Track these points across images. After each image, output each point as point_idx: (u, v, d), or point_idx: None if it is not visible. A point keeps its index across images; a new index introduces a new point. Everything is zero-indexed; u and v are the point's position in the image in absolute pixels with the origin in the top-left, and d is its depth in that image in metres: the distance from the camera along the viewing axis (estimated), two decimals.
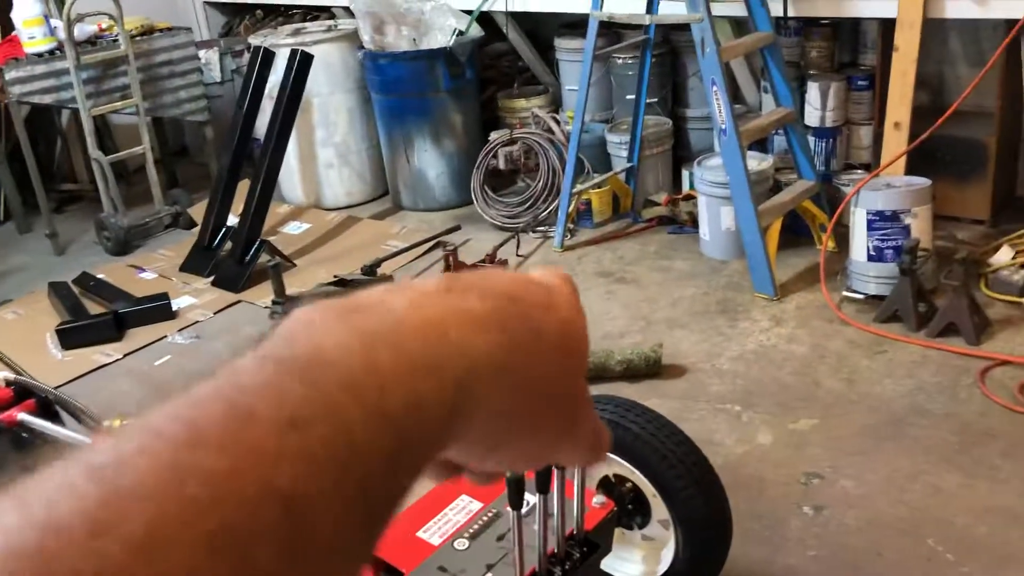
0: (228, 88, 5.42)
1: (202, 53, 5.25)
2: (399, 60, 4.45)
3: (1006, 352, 2.89)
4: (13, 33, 4.50)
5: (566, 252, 4.03)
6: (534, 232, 4.22)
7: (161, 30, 4.86)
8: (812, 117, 3.95)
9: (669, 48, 4.41)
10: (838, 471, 2.46)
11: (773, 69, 3.64)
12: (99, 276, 4.20)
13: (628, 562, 1.93)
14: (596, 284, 3.72)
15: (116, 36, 4.51)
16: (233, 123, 4.34)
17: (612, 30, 4.32)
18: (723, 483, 1.87)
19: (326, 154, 4.78)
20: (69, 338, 3.60)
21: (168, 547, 0.26)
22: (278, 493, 0.29)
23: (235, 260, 4.08)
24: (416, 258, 4.12)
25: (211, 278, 4.12)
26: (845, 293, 3.31)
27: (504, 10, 4.45)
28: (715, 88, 3.35)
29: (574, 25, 4.49)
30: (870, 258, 3.21)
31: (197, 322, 3.76)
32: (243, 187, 4.35)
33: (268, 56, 4.29)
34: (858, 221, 3.23)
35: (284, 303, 3.51)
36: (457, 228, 4.32)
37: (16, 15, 4.39)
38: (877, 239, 3.19)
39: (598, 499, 1.70)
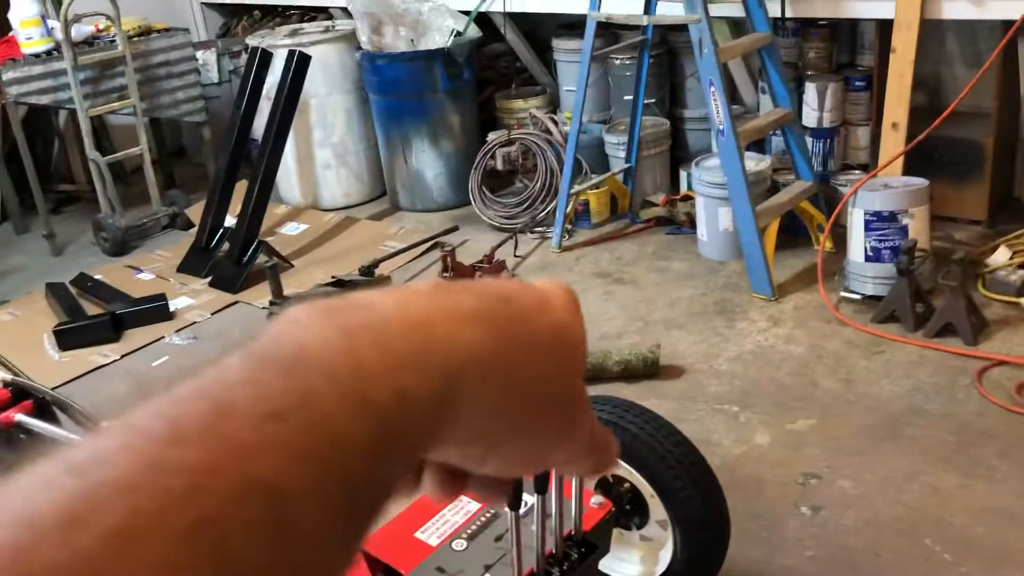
0: (226, 89, 5.42)
1: (199, 54, 5.25)
2: (397, 61, 4.45)
3: (1003, 352, 2.90)
4: (10, 34, 4.50)
5: (564, 253, 4.03)
6: (532, 233, 4.22)
7: (158, 31, 4.86)
8: (810, 118, 3.95)
9: (667, 49, 4.41)
10: (836, 471, 2.47)
11: (771, 70, 3.65)
12: (97, 277, 4.20)
13: (626, 563, 1.93)
14: (594, 285, 3.72)
15: (113, 37, 4.50)
16: (231, 124, 4.34)
17: (610, 31, 4.32)
18: (721, 483, 1.87)
19: (324, 155, 4.78)
20: (66, 339, 3.59)
21: (145, 540, 0.26)
22: (259, 485, 0.28)
23: (233, 261, 4.08)
24: (414, 259, 4.11)
25: (209, 279, 4.12)
26: (843, 293, 3.31)
27: (502, 11, 4.45)
28: (713, 89, 3.35)
29: (572, 26, 4.49)
30: (868, 258, 3.22)
31: (195, 323, 3.76)
32: (241, 188, 4.34)
33: (266, 57, 4.29)
34: (856, 221, 3.23)
35: (282, 304, 3.51)
36: (455, 229, 4.32)
37: (13, 16, 4.39)
38: (875, 239, 3.19)
39: (596, 500, 1.70)
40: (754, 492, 2.41)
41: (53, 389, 2.29)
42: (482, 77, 4.91)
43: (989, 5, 3.26)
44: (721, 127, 3.36)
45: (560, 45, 4.64)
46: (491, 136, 4.49)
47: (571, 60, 4.47)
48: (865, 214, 3.19)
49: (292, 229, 4.62)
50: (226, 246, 4.20)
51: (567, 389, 0.42)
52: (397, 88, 4.50)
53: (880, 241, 3.18)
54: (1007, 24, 3.22)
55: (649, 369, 2.97)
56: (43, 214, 4.67)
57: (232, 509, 0.28)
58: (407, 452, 0.35)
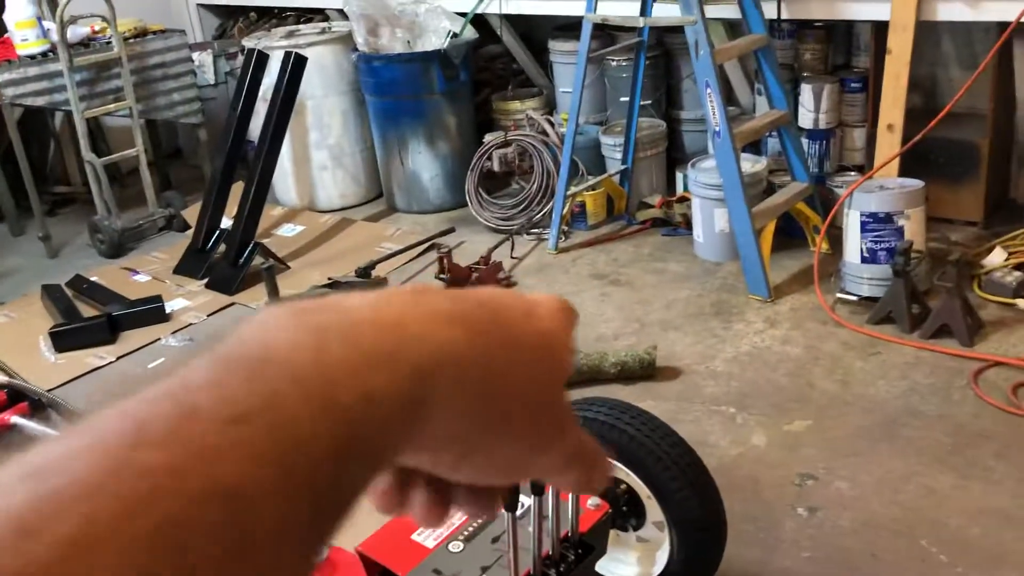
0: (222, 90, 5.41)
1: (196, 55, 5.25)
2: (393, 62, 4.45)
3: (999, 353, 2.90)
4: (6, 35, 4.49)
5: (560, 254, 4.03)
6: (528, 234, 4.22)
7: (154, 32, 4.85)
8: (806, 119, 3.96)
9: (663, 50, 4.41)
10: (832, 472, 2.47)
11: (767, 71, 3.65)
12: (92, 279, 4.19)
13: (623, 564, 1.93)
14: (590, 286, 3.72)
15: (109, 38, 4.50)
16: (227, 125, 4.33)
17: (606, 32, 4.32)
18: (717, 485, 1.87)
19: (320, 156, 4.78)
20: (62, 341, 3.59)
21: (103, 546, 0.26)
22: (219, 489, 0.28)
23: (229, 263, 4.07)
24: (410, 260, 4.11)
25: (205, 280, 4.12)
26: (839, 295, 3.31)
27: (498, 12, 4.45)
28: (709, 90, 3.36)
29: (568, 27, 4.50)
30: (863, 260, 3.22)
31: (191, 324, 3.75)
32: (237, 189, 4.34)
33: (262, 58, 4.29)
34: (851, 223, 3.24)
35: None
36: (451, 230, 4.32)
37: (9, 17, 4.38)
38: (870, 241, 3.19)
39: (593, 501, 1.70)
40: (751, 493, 2.41)
41: (49, 391, 2.29)
42: (478, 79, 4.91)
43: (984, 6, 3.27)
44: (717, 128, 3.36)
45: (556, 47, 4.64)
46: (487, 137, 4.49)
47: (567, 62, 4.47)
48: (861, 215, 3.19)
49: (288, 231, 4.62)
50: (222, 248, 4.19)
51: (547, 398, 0.41)
52: (393, 90, 4.49)
53: (876, 242, 3.18)
54: (1002, 26, 3.23)
55: (645, 370, 2.97)
56: (39, 216, 4.66)
57: (193, 513, 0.27)
58: (375, 455, 0.34)
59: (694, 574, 1.89)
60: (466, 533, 1.62)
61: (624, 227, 4.21)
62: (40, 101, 4.47)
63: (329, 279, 3.91)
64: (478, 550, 1.58)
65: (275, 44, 4.54)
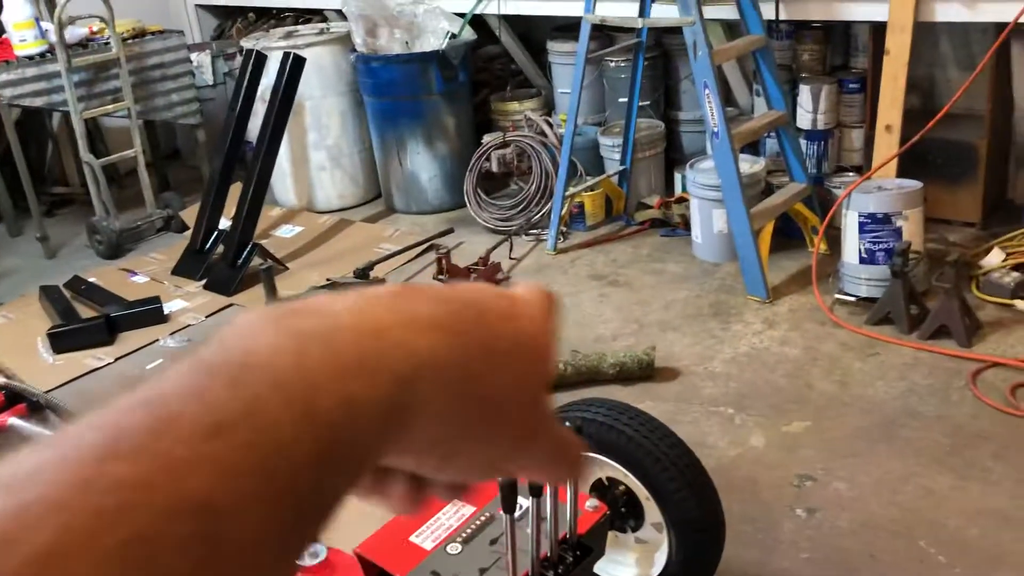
0: (220, 91, 5.41)
1: (194, 56, 5.25)
2: (392, 63, 4.45)
3: (997, 354, 2.90)
4: (4, 36, 4.49)
5: (559, 255, 4.03)
6: (527, 235, 4.22)
7: (153, 33, 4.85)
8: (804, 120, 3.96)
9: (661, 51, 4.42)
10: (831, 473, 2.47)
11: (765, 72, 3.65)
12: (90, 280, 4.18)
13: (622, 565, 1.93)
14: (589, 287, 3.72)
15: (107, 39, 4.50)
16: (225, 126, 4.33)
17: (604, 33, 4.32)
18: (716, 486, 1.87)
19: (318, 157, 4.78)
20: (60, 342, 3.58)
21: (73, 560, 0.26)
22: (192, 502, 0.28)
23: (227, 263, 4.07)
24: (409, 261, 4.11)
25: (203, 281, 4.11)
26: (837, 295, 3.31)
27: (497, 13, 4.45)
28: (707, 91, 3.36)
29: (567, 28, 4.50)
30: (862, 260, 3.22)
31: (189, 326, 3.75)
32: (235, 190, 4.34)
33: (260, 59, 4.29)
34: (850, 224, 3.24)
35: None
36: (450, 231, 4.32)
37: (7, 18, 4.38)
38: (869, 241, 3.20)
39: (591, 503, 1.69)
40: (749, 494, 2.41)
41: (47, 392, 2.29)
42: (477, 79, 4.91)
43: (982, 7, 3.27)
44: (715, 129, 3.36)
45: (555, 47, 4.65)
46: (486, 138, 4.49)
47: (566, 62, 4.47)
48: (859, 216, 3.20)
49: (287, 231, 4.62)
50: (221, 249, 4.19)
51: (528, 398, 0.41)
52: (392, 90, 4.49)
53: (874, 243, 3.19)
54: (1000, 26, 3.23)
55: (644, 371, 2.97)
56: (37, 217, 4.66)
57: (165, 526, 0.27)
58: (357, 460, 0.34)
59: (692, 575, 1.89)
60: (464, 535, 1.62)
61: (622, 228, 4.21)
62: (38, 102, 4.47)
63: (327, 280, 3.91)
64: (476, 552, 1.58)
65: (273, 45, 4.54)
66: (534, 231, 4.23)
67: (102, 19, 4.41)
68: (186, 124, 5.13)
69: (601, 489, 1.88)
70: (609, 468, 1.86)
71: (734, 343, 3.17)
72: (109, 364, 3.49)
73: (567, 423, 1.53)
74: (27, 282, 4.32)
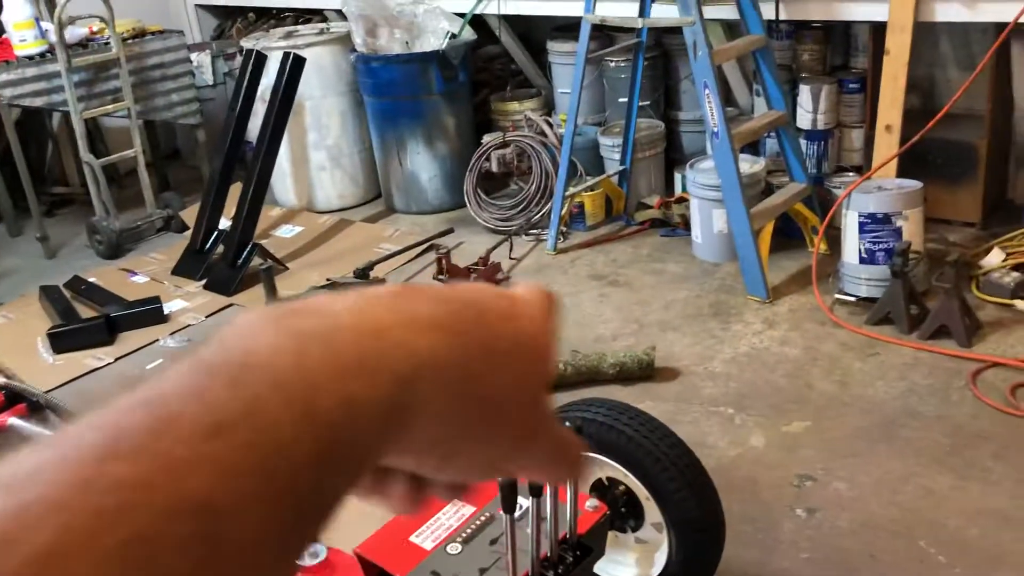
0: (220, 91, 5.41)
1: (194, 56, 5.25)
2: (392, 63, 4.45)
3: (997, 354, 2.90)
4: (4, 36, 4.49)
5: (559, 255, 4.03)
6: (527, 235, 4.22)
7: (153, 33, 4.85)
8: (804, 120, 3.96)
9: (661, 51, 4.42)
10: (831, 473, 2.47)
11: (765, 72, 3.65)
12: (90, 280, 4.18)
13: (622, 565, 1.93)
14: (589, 287, 3.72)
15: (107, 39, 4.50)
16: (225, 126, 4.33)
17: (604, 33, 4.32)
18: (716, 486, 1.87)
19: (318, 157, 4.78)
20: (60, 342, 3.58)
21: (73, 560, 0.26)
22: (192, 502, 0.28)
23: (227, 263, 4.07)
24: (409, 261, 4.11)
25: (203, 281, 4.11)
26: (837, 295, 3.31)
27: (497, 13, 4.45)
28: (707, 91, 3.36)
29: (567, 28, 4.50)
30: (862, 260, 3.22)
31: (189, 326, 3.75)
32: (235, 190, 4.34)
33: (260, 59, 4.29)
34: (850, 224, 3.24)
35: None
36: (450, 231, 4.32)
37: (7, 18, 4.38)
38: (869, 241, 3.20)
39: (591, 503, 1.69)
40: (749, 494, 2.41)
41: (47, 392, 2.29)
42: (477, 79, 4.91)
43: (982, 7, 3.27)
44: (715, 129, 3.36)
45: (555, 47, 4.65)
46: (486, 138, 4.49)
47: (566, 62, 4.47)
48: (859, 216, 3.20)
49: (287, 231, 4.62)
50: (221, 249, 4.19)
51: (527, 399, 0.42)
52: (392, 90, 4.49)
53: (874, 243, 3.19)
54: (1000, 26, 3.23)
55: (644, 371, 2.97)
56: (37, 217, 4.66)
57: (165, 526, 0.27)
58: (357, 460, 0.34)
59: (692, 575, 1.89)
60: (464, 535, 1.62)
61: (623, 228, 4.21)
62: (38, 102, 4.47)
63: (328, 280, 3.91)
64: (476, 552, 1.58)
65: (273, 45, 4.54)
66: (534, 231, 4.23)
67: (102, 19, 4.41)
68: (186, 124, 5.13)
69: (601, 489, 1.88)
70: (609, 468, 1.86)
71: (734, 343, 3.17)
72: (109, 364, 3.49)
73: (567, 423, 1.53)
74: (27, 282, 4.32)
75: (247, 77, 4.27)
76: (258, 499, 0.30)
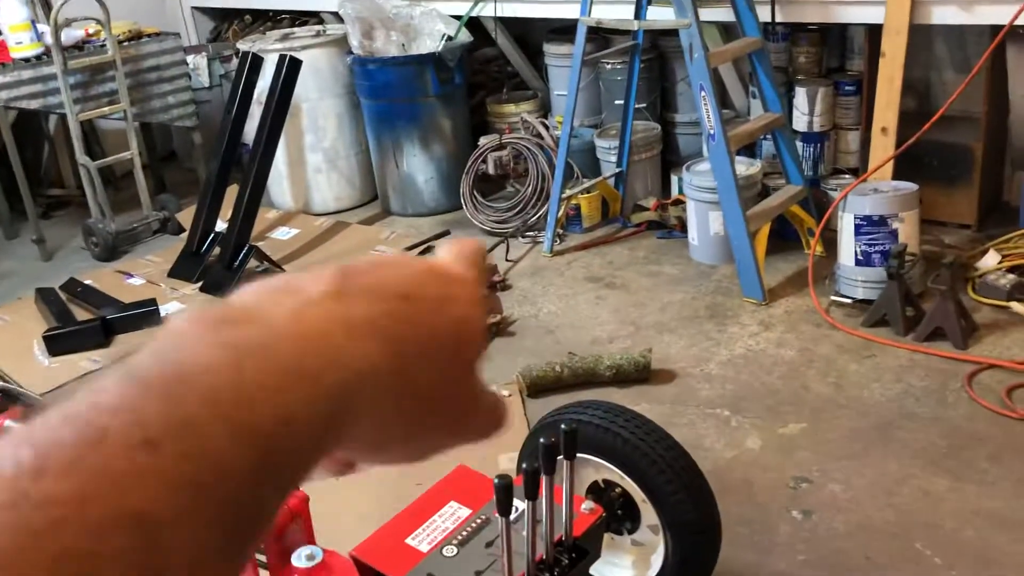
0: (216, 93, 5.41)
1: (190, 58, 5.24)
2: (388, 65, 4.45)
3: (993, 356, 2.91)
4: (0, 38, 4.48)
5: (555, 257, 4.03)
6: (523, 237, 4.22)
7: (149, 35, 4.85)
8: (800, 122, 3.96)
9: (657, 53, 4.42)
10: (827, 475, 2.47)
11: (761, 74, 3.66)
12: (87, 282, 4.18)
13: (618, 567, 1.93)
14: (585, 289, 3.72)
15: (104, 41, 4.49)
16: (221, 128, 4.33)
17: (601, 35, 4.33)
18: (712, 488, 1.87)
19: (315, 159, 4.78)
20: (56, 344, 3.58)
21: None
22: (127, 516, 0.28)
23: (223, 266, 4.07)
24: None
25: (199, 284, 4.11)
26: (833, 297, 3.32)
27: (493, 15, 4.45)
28: (703, 93, 3.36)
29: (563, 30, 4.50)
30: (858, 262, 3.23)
31: None
32: (231, 192, 4.33)
33: (256, 61, 4.29)
34: (846, 226, 3.24)
35: None
36: (446, 233, 4.32)
37: (2, 20, 4.37)
38: (865, 244, 3.20)
39: (587, 505, 1.69)
40: (745, 496, 2.41)
41: (42, 395, 2.28)
42: (473, 81, 4.91)
43: (978, 10, 3.28)
44: (712, 131, 3.37)
45: (551, 49, 4.65)
46: (482, 140, 4.49)
47: (562, 64, 4.47)
48: (855, 218, 3.20)
49: (283, 234, 4.61)
50: (217, 251, 4.19)
51: (462, 384, 0.42)
52: (388, 92, 4.49)
53: (870, 245, 3.19)
54: (996, 29, 3.23)
55: (640, 374, 2.97)
56: (33, 219, 4.65)
57: (99, 540, 0.27)
58: (294, 470, 0.34)
59: None
60: (460, 537, 1.61)
61: (619, 230, 4.21)
62: (34, 104, 4.46)
63: None
64: (472, 554, 1.58)
65: (270, 47, 4.54)
66: (531, 233, 4.23)
67: (98, 21, 4.40)
68: (182, 126, 5.13)
69: (597, 491, 1.88)
70: (605, 470, 1.86)
71: (730, 345, 3.17)
72: (105, 367, 3.49)
73: (562, 426, 1.53)
74: (23, 284, 4.32)
75: (243, 79, 4.26)
76: (195, 512, 0.29)
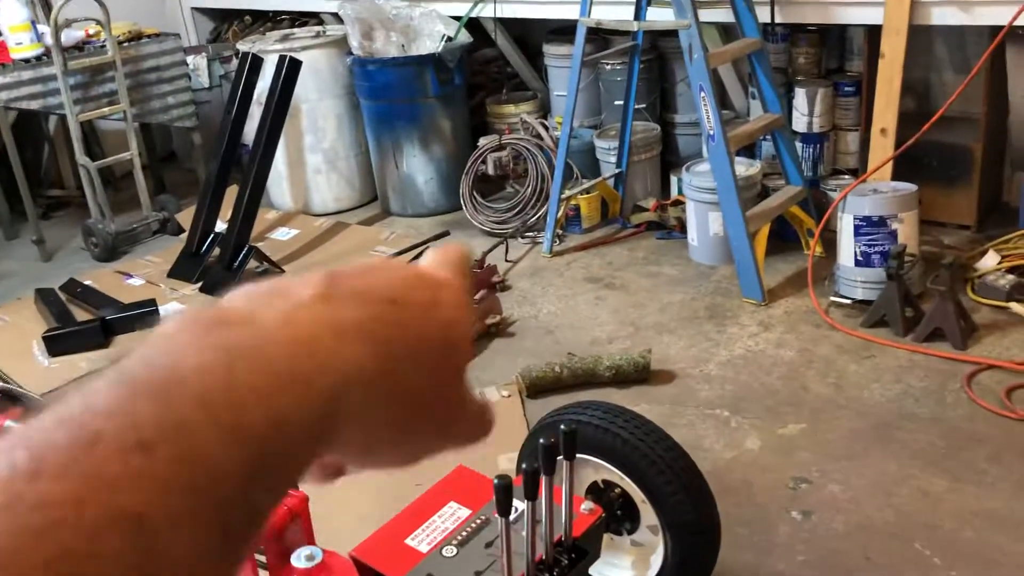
0: (216, 94, 5.41)
1: (190, 59, 5.24)
2: (388, 66, 4.45)
3: (992, 357, 2.91)
4: (0, 39, 4.48)
5: (555, 257, 4.03)
6: (523, 238, 4.23)
7: (149, 36, 4.85)
8: (799, 123, 3.96)
9: (657, 54, 4.42)
10: (826, 476, 2.47)
11: (761, 75, 3.66)
12: (86, 282, 4.18)
13: (617, 568, 1.93)
14: (585, 289, 3.72)
15: (104, 42, 4.49)
16: (221, 129, 4.33)
17: (600, 36, 4.33)
18: (712, 488, 1.87)
19: (314, 160, 4.78)
20: (56, 345, 3.58)
21: None
22: (122, 517, 0.28)
23: (223, 266, 4.07)
24: None
25: (199, 284, 4.11)
26: (833, 298, 3.32)
27: (493, 16, 4.45)
28: (703, 94, 3.36)
29: (562, 31, 4.50)
30: (857, 263, 3.23)
31: None
32: (231, 193, 4.33)
33: (256, 62, 4.29)
34: (845, 226, 3.24)
35: None
36: (446, 234, 4.32)
37: (3, 21, 4.37)
38: (864, 244, 3.20)
39: (586, 505, 1.70)
40: (745, 497, 2.41)
41: (42, 395, 2.28)
42: (473, 82, 4.92)
43: (977, 11, 3.28)
44: (711, 132, 3.37)
45: (551, 50, 4.65)
46: (482, 141, 4.49)
47: (562, 65, 4.48)
48: (855, 219, 3.20)
49: (283, 234, 4.61)
50: (217, 251, 4.19)
51: (450, 388, 0.42)
52: (388, 93, 4.50)
53: (870, 246, 3.19)
54: (995, 30, 3.24)
55: (640, 374, 2.97)
56: (33, 219, 4.65)
57: (94, 543, 0.27)
58: (285, 472, 0.34)
59: None
60: (460, 538, 1.62)
61: (618, 230, 4.21)
62: (34, 105, 4.47)
63: None
64: (472, 555, 1.58)
65: (270, 48, 4.54)
66: (530, 234, 4.24)
67: (98, 22, 4.40)
68: (182, 127, 5.13)
69: (597, 492, 1.88)
70: (605, 471, 1.86)
71: (730, 346, 3.18)
72: (98, 369, 3.48)
73: (562, 426, 1.53)
74: (23, 285, 4.32)
75: (243, 80, 4.27)
76: (190, 515, 0.30)
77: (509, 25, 4.68)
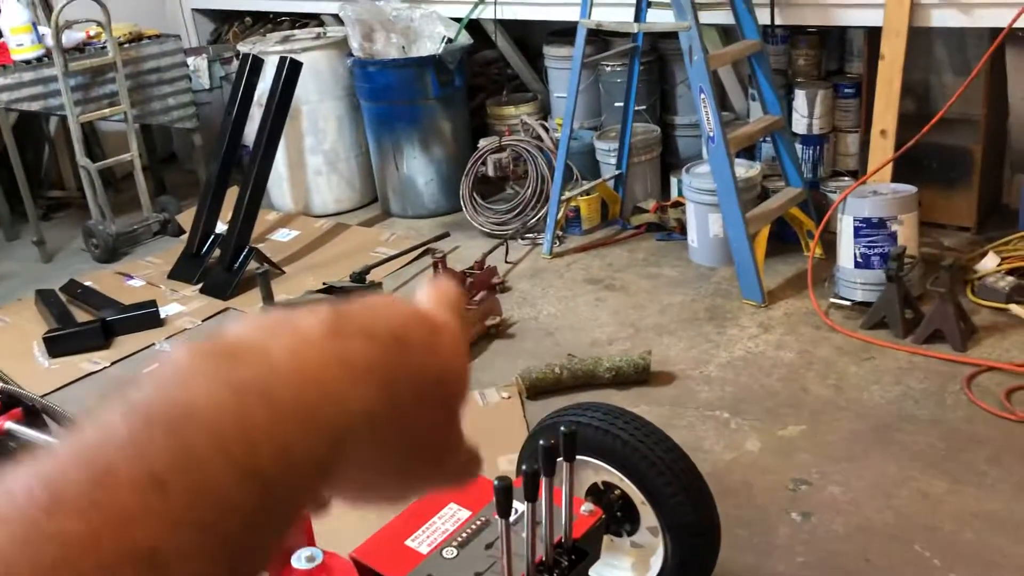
0: (217, 95, 5.41)
1: (191, 60, 5.25)
2: (388, 67, 4.45)
3: (992, 358, 2.91)
4: (1, 40, 4.49)
5: (555, 259, 4.03)
6: (523, 239, 4.23)
7: (149, 37, 4.85)
8: (799, 124, 3.97)
9: (657, 56, 4.42)
10: (826, 477, 2.47)
11: (760, 77, 3.66)
12: (87, 283, 4.18)
13: (617, 569, 1.93)
14: (584, 291, 3.72)
15: (104, 43, 4.50)
16: (222, 130, 4.33)
17: (600, 38, 4.33)
18: (711, 490, 1.87)
19: (315, 161, 4.78)
20: (56, 346, 3.58)
21: None
22: (136, 551, 0.29)
23: (224, 267, 4.07)
24: (405, 265, 4.11)
25: (199, 285, 4.11)
26: (832, 300, 3.32)
27: (493, 18, 4.46)
28: (703, 96, 3.37)
29: (563, 33, 4.51)
30: (857, 265, 3.23)
31: (185, 330, 3.75)
32: (232, 194, 4.34)
33: (257, 63, 4.29)
34: (845, 228, 3.24)
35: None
36: (446, 235, 4.32)
37: (3, 22, 4.37)
38: (864, 246, 3.20)
39: (586, 507, 1.70)
40: (744, 498, 2.42)
41: (43, 396, 2.28)
42: (473, 84, 4.92)
43: (977, 13, 3.28)
44: (711, 134, 3.37)
45: (551, 52, 4.65)
46: (482, 142, 4.50)
47: (562, 67, 4.48)
48: (854, 221, 3.20)
49: (283, 235, 4.62)
50: (217, 252, 4.19)
51: (446, 427, 0.44)
52: (388, 95, 4.50)
53: (869, 247, 3.19)
54: (995, 31, 3.24)
55: (640, 376, 2.97)
56: (33, 221, 4.66)
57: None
58: (292, 510, 0.35)
59: None
60: (460, 539, 1.62)
61: (618, 232, 4.21)
62: (35, 106, 4.47)
63: (324, 284, 3.90)
64: (472, 556, 1.58)
65: (270, 49, 4.55)
66: (530, 235, 4.24)
67: (99, 23, 4.41)
68: (183, 128, 5.13)
69: (597, 493, 1.88)
70: (605, 472, 1.87)
71: (730, 347, 3.18)
72: (105, 368, 3.49)
73: (562, 428, 1.53)
74: (23, 286, 4.32)
75: (244, 81, 4.27)
76: (200, 550, 0.30)
77: (509, 27, 4.68)
